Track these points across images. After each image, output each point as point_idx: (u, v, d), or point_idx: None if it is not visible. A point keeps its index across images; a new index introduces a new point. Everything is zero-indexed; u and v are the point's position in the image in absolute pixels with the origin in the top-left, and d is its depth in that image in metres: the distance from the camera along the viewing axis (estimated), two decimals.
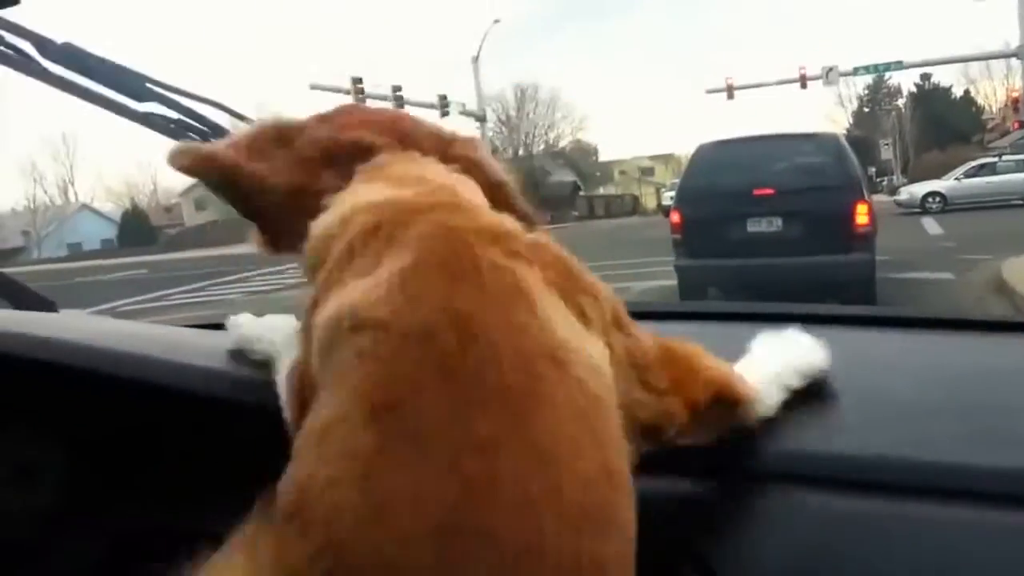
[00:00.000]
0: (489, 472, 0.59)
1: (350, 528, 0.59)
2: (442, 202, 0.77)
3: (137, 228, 52.66)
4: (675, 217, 8.78)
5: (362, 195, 0.80)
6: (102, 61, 1.00)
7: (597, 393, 0.67)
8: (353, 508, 0.59)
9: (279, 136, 0.90)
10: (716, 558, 0.78)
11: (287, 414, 0.83)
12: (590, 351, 0.69)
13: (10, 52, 1.01)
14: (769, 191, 8.43)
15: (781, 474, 0.82)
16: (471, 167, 0.91)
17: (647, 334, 0.81)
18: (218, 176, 0.87)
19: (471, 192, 0.85)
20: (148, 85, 1.01)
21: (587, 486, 0.62)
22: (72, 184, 63.84)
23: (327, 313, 0.70)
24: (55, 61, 0.99)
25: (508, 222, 0.76)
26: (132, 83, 1.00)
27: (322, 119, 0.93)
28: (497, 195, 0.91)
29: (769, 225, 8.41)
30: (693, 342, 0.88)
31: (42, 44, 0.99)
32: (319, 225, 0.81)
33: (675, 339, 0.85)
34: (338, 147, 0.88)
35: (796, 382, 0.92)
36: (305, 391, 0.74)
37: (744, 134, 9.58)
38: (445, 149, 0.92)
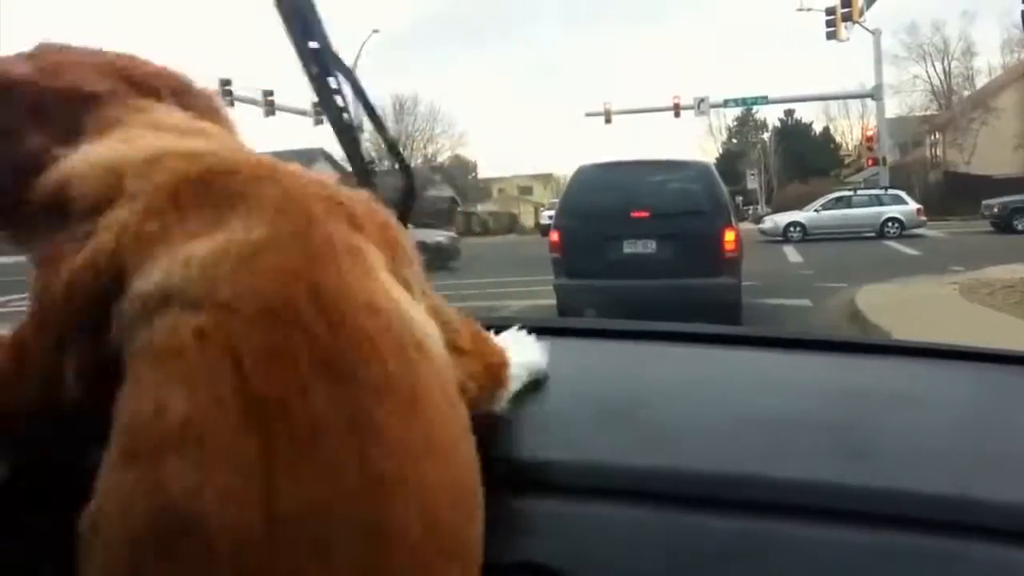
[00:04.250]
0: (400, 471, 0.55)
1: (261, 550, 0.52)
2: (262, 161, 0.69)
3: None
4: (554, 236, 9.03)
5: (145, 140, 0.69)
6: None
7: (448, 373, 0.65)
8: (261, 525, 0.52)
9: None
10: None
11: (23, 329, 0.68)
12: (431, 329, 0.66)
13: None
14: (644, 214, 8.77)
15: (625, 490, 0.82)
16: (213, 119, 0.82)
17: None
18: None
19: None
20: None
21: (467, 471, 0.62)
22: None
23: (155, 278, 0.59)
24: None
25: (335, 184, 0.71)
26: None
27: (26, 58, 0.77)
28: None
29: (644, 247, 8.73)
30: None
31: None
32: (93, 157, 0.67)
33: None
34: (52, 97, 0.73)
35: (525, 376, 0.95)
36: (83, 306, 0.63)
37: (622, 158, 9.88)
38: (183, 96, 0.81)
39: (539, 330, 1.51)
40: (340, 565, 0.53)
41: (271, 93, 30.99)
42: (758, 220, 32.38)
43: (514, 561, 0.75)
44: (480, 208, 56.33)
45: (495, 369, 0.82)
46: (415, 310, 0.65)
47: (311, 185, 0.66)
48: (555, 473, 0.85)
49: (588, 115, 36.03)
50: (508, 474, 0.85)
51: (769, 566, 0.72)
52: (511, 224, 54.17)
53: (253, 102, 30.33)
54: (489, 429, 0.93)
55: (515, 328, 1.04)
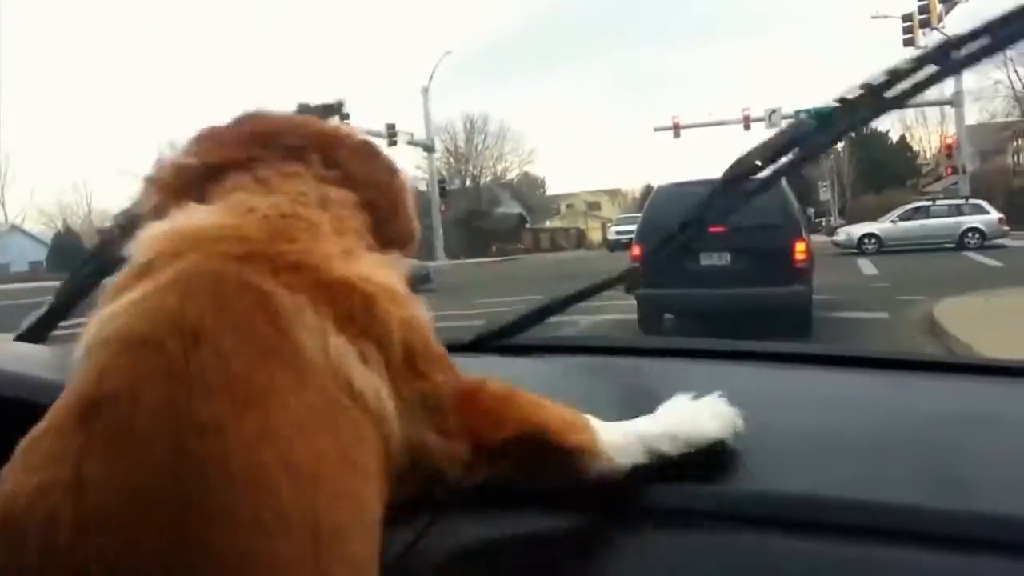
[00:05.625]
0: (219, 450, 0.57)
1: (68, 537, 0.54)
2: (231, 236, 0.73)
3: (69, 250, 50.87)
4: (635, 251, 9.79)
5: (159, 225, 0.77)
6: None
7: (348, 405, 0.67)
8: (69, 515, 0.55)
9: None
10: None
11: None
12: (349, 372, 0.69)
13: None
14: (720, 228, 8.99)
15: (717, 514, 0.81)
16: (348, 179, 0.87)
17: (454, 376, 0.79)
18: None
19: (316, 217, 0.80)
20: None
21: (321, 459, 0.62)
22: (2, 205, 61.82)
23: (102, 314, 0.69)
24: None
25: (315, 256, 0.74)
26: None
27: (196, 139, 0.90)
28: (378, 211, 0.89)
29: (720, 259, 9.49)
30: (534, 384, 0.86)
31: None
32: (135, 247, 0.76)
33: (498, 382, 0.83)
34: (187, 170, 0.85)
35: (668, 448, 0.87)
36: None
37: (697, 177, 10.45)
38: (328, 153, 0.88)
39: (593, 350, 1.55)
40: (147, 546, 0.55)
41: (347, 116, 31.68)
42: (831, 232, 31.64)
43: None
44: (548, 224, 56.40)
45: (494, 448, 0.79)
46: (314, 343, 0.67)
47: (232, 248, 0.71)
48: (634, 497, 0.85)
49: (657, 129, 35.89)
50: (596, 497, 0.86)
51: None
52: (579, 240, 54.07)
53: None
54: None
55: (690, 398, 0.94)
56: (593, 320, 10.79)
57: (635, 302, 9.72)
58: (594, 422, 0.86)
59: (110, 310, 0.68)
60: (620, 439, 0.85)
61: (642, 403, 1.10)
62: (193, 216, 0.76)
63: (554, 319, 1.34)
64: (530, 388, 0.92)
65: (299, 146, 0.86)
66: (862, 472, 0.86)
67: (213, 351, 0.61)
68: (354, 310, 0.71)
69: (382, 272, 0.78)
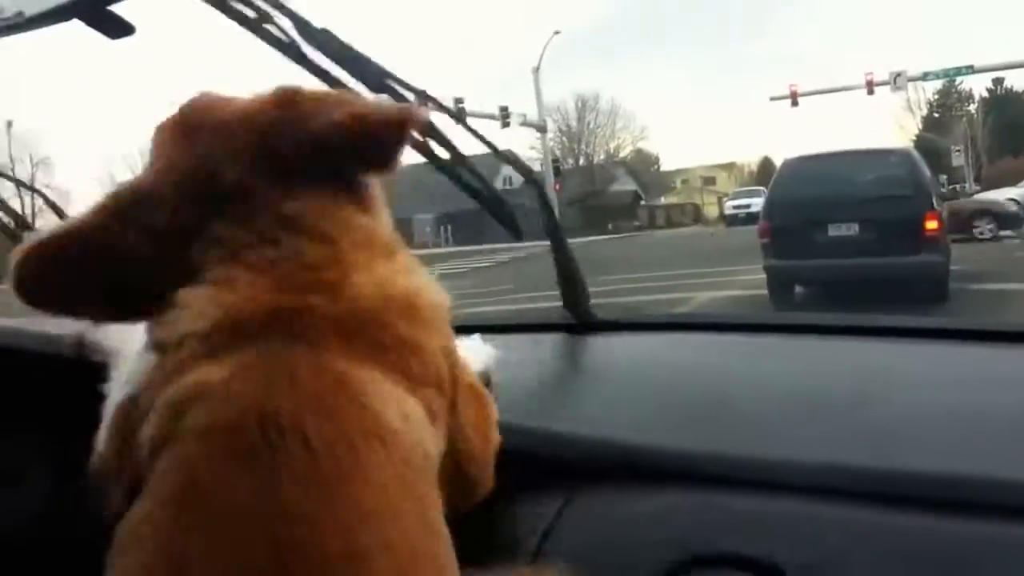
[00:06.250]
0: (310, 534, 0.61)
1: None
2: (284, 309, 0.70)
3: None
4: (764, 224, 10.03)
5: (218, 299, 0.71)
6: (350, 49, 0.97)
7: (423, 467, 0.71)
8: None
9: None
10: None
11: (102, 444, 0.80)
12: (422, 436, 0.72)
13: (275, 32, 1.00)
14: (847, 199, 9.56)
15: (859, 493, 0.82)
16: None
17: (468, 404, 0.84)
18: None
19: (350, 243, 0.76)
20: (386, 80, 0.99)
21: (410, 532, 0.66)
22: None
23: (171, 395, 0.68)
24: (314, 46, 0.97)
25: (361, 304, 0.72)
26: (372, 74, 0.98)
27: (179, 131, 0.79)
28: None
29: (848, 230, 9.54)
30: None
31: (304, 27, 0.98)
32: (182, 320, 0.71)
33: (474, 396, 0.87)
34: (197, 185, 0.75)
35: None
36: (128, 436, 0.73)
37: (824, 149, 10.96)
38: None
39: (749, 327, 1.52)
40: None
41: (462, 100, 32.12)
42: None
43: (728, 551, 0.79)
44: (663, 200, 55.71)
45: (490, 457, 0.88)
46: (400, 419, 0.70)
47: (295, 327, 0.69)
48: (771, 471, 0.87)
49: (773, 99, 34.66)
50: (724, 470, 0.89)
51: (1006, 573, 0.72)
52: (695, 215, 53.12)
53: (446, 110, 31.67)
54: (702, 424, 1.01)
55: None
56: (708, 296, 10.66)
57: (764, 275, 9.90)
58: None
59: (179, 394, 0.68)
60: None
61: (778, 383, 1.15)
62: (233, 287, 0.72)
63: (671, 296, 1.34)
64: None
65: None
66: (1006, 450, 0.85)
67: (299, 441, 0.64)
68: (412, 364, 0.73)
69: (413, 286, 0.77)
